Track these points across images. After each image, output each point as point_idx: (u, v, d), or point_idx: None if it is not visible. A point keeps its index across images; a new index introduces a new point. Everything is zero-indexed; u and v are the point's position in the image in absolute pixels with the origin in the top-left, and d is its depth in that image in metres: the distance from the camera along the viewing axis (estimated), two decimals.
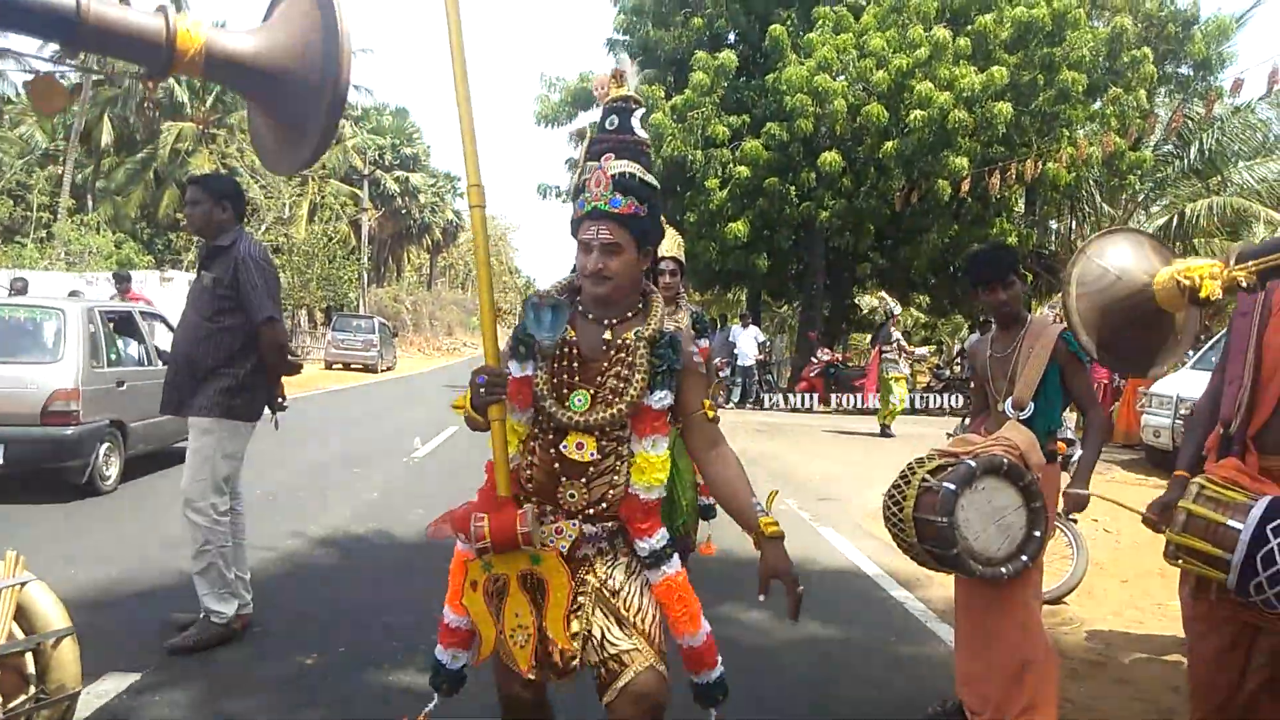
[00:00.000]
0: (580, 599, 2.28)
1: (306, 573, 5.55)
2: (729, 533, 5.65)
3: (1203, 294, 2.16)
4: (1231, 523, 2.30)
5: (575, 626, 2.26)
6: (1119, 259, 2.43)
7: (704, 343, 4.85)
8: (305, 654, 4.12)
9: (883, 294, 15.93)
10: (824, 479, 10.09)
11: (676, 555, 2.36)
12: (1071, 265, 2.52)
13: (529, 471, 2.34)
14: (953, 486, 2.97)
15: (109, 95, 35.16)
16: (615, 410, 2.27)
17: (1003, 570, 3.04)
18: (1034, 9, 17.55)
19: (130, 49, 1.79)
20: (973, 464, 3.01)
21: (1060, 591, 5.32)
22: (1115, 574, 6.02)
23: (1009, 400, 3.36)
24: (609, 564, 2.34)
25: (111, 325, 7.98)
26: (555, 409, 2.29)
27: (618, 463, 2.30)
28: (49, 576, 5.01)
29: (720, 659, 2.43)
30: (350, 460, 9.94)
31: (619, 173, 2.32)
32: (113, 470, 7.62)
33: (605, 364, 2.31)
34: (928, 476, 3.10)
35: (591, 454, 2.29)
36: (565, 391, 2.31)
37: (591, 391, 2.30)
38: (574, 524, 2.29)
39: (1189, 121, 19.47)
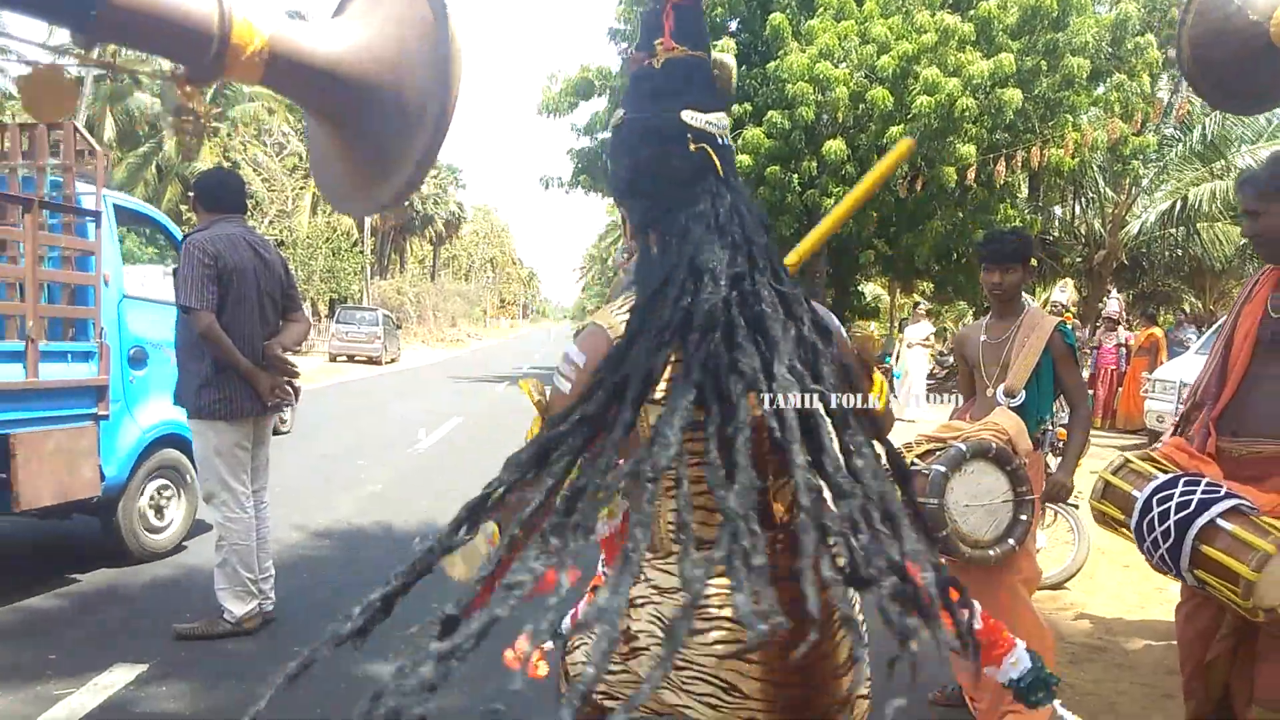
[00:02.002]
0: None
1: (311, 565, 5.59)
2: None
3: None
4: (1135, 492, 2.45)
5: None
6: None
7: None
8: (309, 645, 4.16)
9: (1115, 297, 14.67)
10: None
11: None
12: None
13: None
14: (943, 469, 3.01)
15: (112, 89, 35.16)
16: None
17: (990, 553, 3.08)
18: None
19: (167, 40, 1.34)
20: (962, 447, 3.05)
21: (1061, 576, 5.35)
22: (1116, 559, 6.04)
23: (1001, 387, 3.39)
24: None
25: None
26: None
27: None
28: (53, 575, 5.08)
29: None
30: (354, 452, 9.98)
31: None
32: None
33: None
34: (916, 460, 3.13)
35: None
36: None
37: None
38: None
39: (1192, 104, 19.40)
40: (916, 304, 15.83)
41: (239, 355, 4.07)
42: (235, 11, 1.35)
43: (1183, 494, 2.31)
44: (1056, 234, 22.79)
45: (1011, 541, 3.10)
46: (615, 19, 21.29)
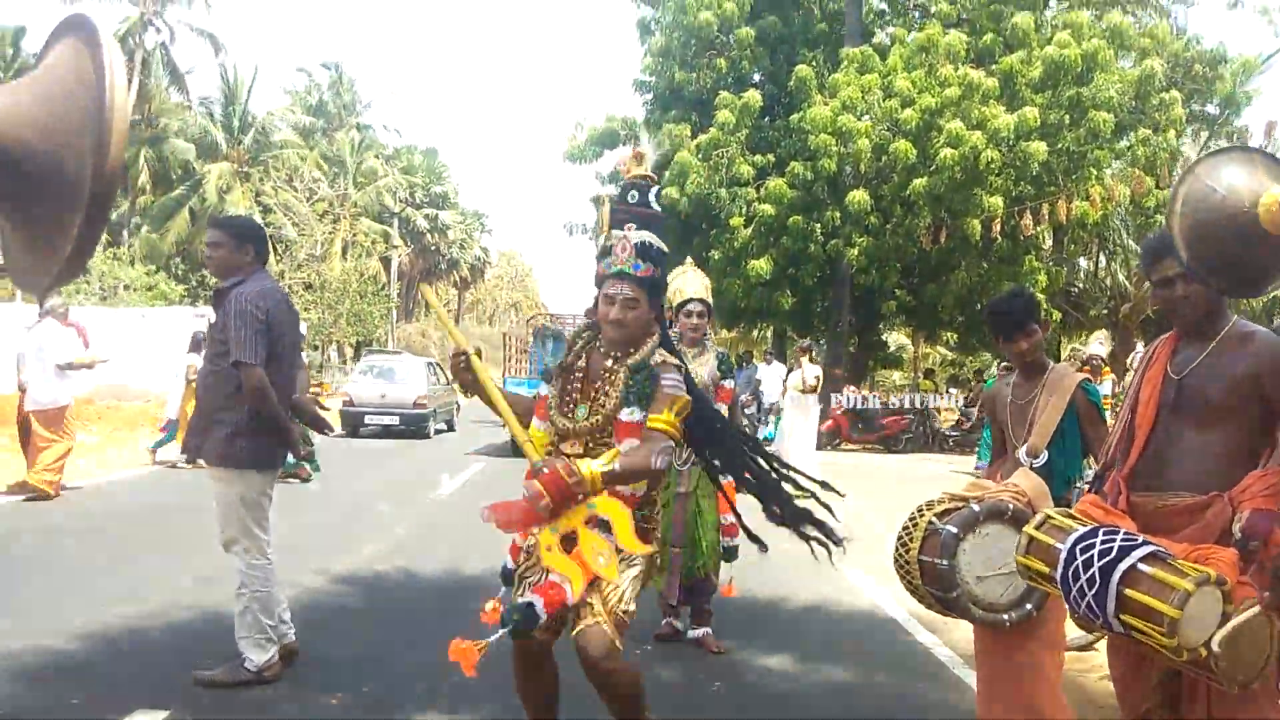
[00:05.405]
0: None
1: (331, 612, 5.58)
2: (751, 575, 5.65)
3: None
4: (1057, 544, 2.45)
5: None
6: (1228, 178, 2.37)
7: (728, 384, 4.88)
8: (329, 694, 4.15)
9: None
10: (851, 518, 10.01)
11: None
12: (1179, 184, 2.49)
13: None
14: (955, 529, 2.96)
15: (148, 135, 35.96)
16: (594, 420, 2.92)
17: (1004, 618, 3.02)
18: (1065, 49, 17.55)
19: None
20: (976, 508, 3.00)
21: (1090, 638, 5.24)
22: None
23: (1024, 447, 3.35)
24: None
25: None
26: (557, 417, 2.99)
27: None
28: (80, 619, 5.11)
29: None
30: (376, 497, 10.00)
31: (641, 242, 2.95)
32: (433, 430, 18.27)
33: (602, 385, 2.96)
34: (934, 519, 3.09)
35: (578, 454, 2.90)
36: (572, 406, 2.99)
37: (589, 406, 2.96)
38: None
39: None
40: (800, 346, 13.48)
41: (280, 410, 4.17)
42: None
43: (1104, 542, 2.34)
44: (1082, 285, 22.68)
45: (1029, 607, 3.03)
46: (641, 71, 21.62)
